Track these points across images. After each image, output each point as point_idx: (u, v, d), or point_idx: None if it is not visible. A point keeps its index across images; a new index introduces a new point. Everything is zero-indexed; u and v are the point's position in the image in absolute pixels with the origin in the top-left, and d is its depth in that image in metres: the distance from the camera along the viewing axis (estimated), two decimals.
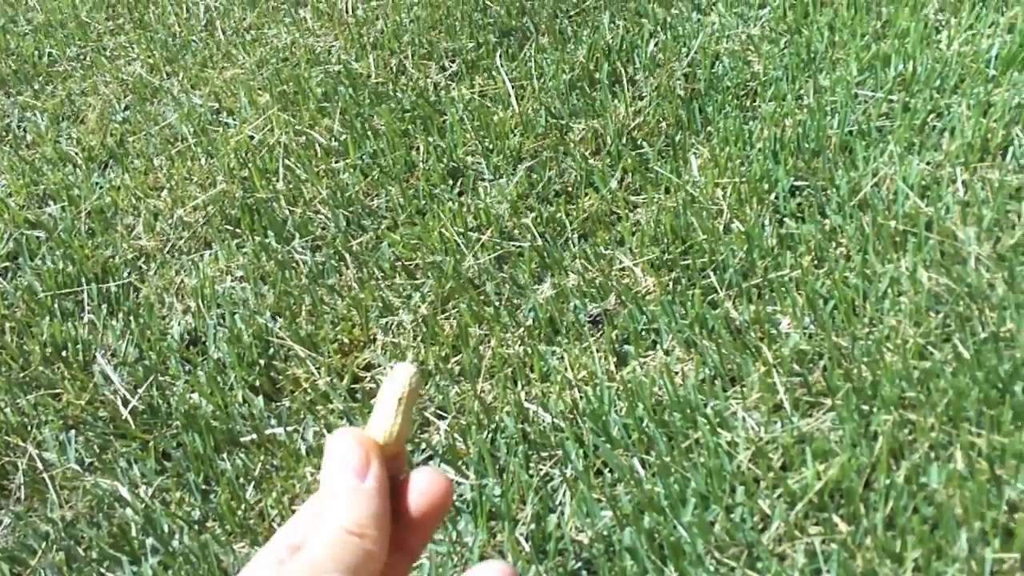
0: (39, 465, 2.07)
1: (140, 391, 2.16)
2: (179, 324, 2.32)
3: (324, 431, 1.97)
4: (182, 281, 2.44)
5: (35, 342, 2.33)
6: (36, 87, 3.43)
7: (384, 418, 0.73)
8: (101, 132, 3.04)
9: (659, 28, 2.91)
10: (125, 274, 2.50)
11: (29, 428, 2.15)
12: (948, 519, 1.52)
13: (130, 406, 2.13)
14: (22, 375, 2.27)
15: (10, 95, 3.43)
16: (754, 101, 2.58)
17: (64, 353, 2.30)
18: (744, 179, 2.28)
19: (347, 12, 3.38)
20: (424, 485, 0.73)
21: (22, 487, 2.05)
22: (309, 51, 3.21)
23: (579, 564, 1.64)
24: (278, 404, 2.08)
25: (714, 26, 2.87)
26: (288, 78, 3.04)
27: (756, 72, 2.65)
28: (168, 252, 2.55)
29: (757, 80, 2.63)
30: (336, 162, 2.66)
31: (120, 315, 2.38)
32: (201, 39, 3.47)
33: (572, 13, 3.06)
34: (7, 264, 2.62)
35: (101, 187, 2.83)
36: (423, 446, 1.90)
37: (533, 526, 1.70)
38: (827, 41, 2.71)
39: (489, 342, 2.06)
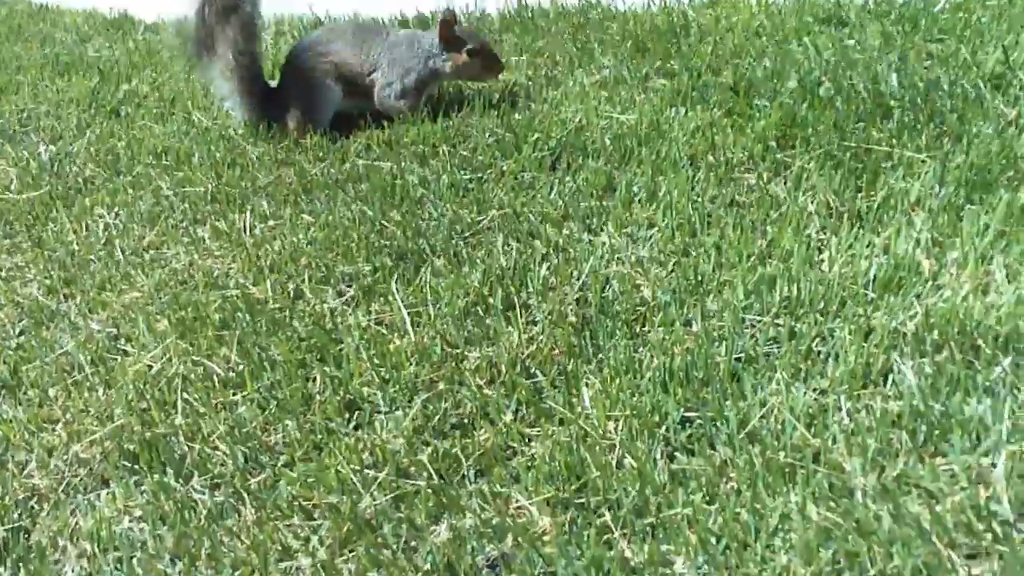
0: None
1: None
2: (73, 570, 2.30)
3: None
4: (77, 523, 2.42)
5: None
6: None
7: None
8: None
9: (551, 250, 2.99)
10: (15, 516, 2.47)
11: None
12: None
13: None
14: None
15: None
16: (644, 326, 2.65)
17: None
18: (635, 412, 2.33)
19: (245, 232, 3.43)
20: None
21: None
22: (207, 273, 3.24)
23: None
24: None
25: (604, 247, 2.95)
26: (186, 303, 3.07)
27: (645, 297, 2.73)
28: (63, 491, 2.53)
29: (646, 305, 2.70)
30: (234, 394, 2.68)
31: (8, 562, 2.35)
32: (100, 258, 3.49)
33: (467, 235, 3.14)
34: None
35: None
36: None
37: None
38: (714, 263, 2.80)
39: None
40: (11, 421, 2.77)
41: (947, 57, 3.76)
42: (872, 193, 3.01)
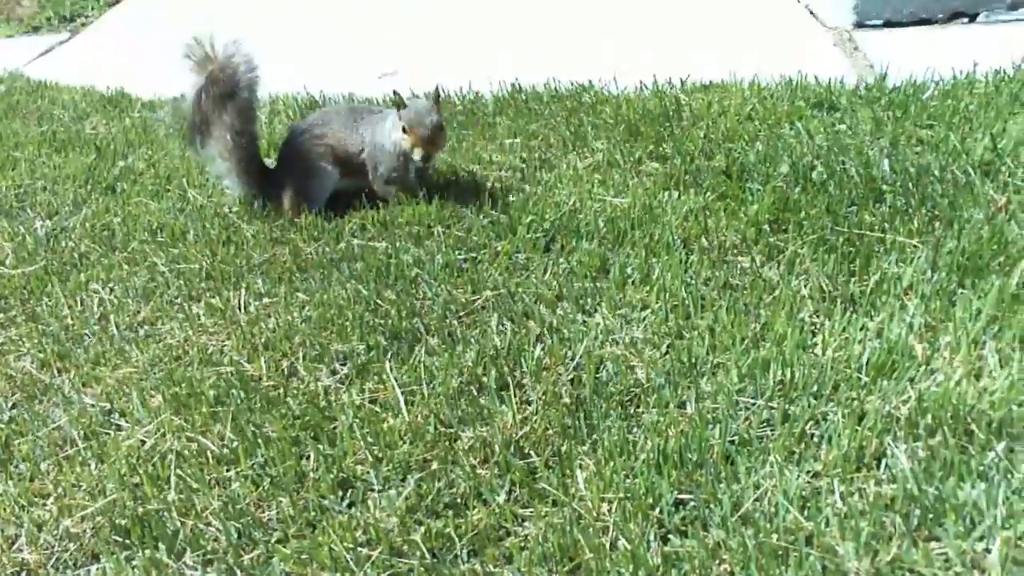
0: None
1: None
2: None
3: None
4: None
5: None
6: None
7: None
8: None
9: (545, 330, 3.00)
10: None
11: None
12: None
13: None
14: None
15: None
16: (638, 408, 2.66)
17: None
18: (629, 494, 2.33)
19: (239, 310, 3.44)
20: None
21: None
22: (202, 350, 3.24)
23: None
24: None
25: (599, 328, 2.97)
26: (180, 379, 3.07)
27: (639, 379, 2.74)
28: (52, 566, 2.51)
29: (640, 387, 2.71)
30: (227, 471, 2.67)
31: None
32: (94, 333, 3.49)
33: (461, 314, 3.15)
34: None
35: None
36: None
37: None
38: (708, 345, 2.81)
39: None
40: (1, 495, 2.76)
41: (937, 143, 3.81)
42: (865, 277, 3.04)
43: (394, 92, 3.98)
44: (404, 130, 3.88)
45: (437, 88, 3.98)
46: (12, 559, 2.54)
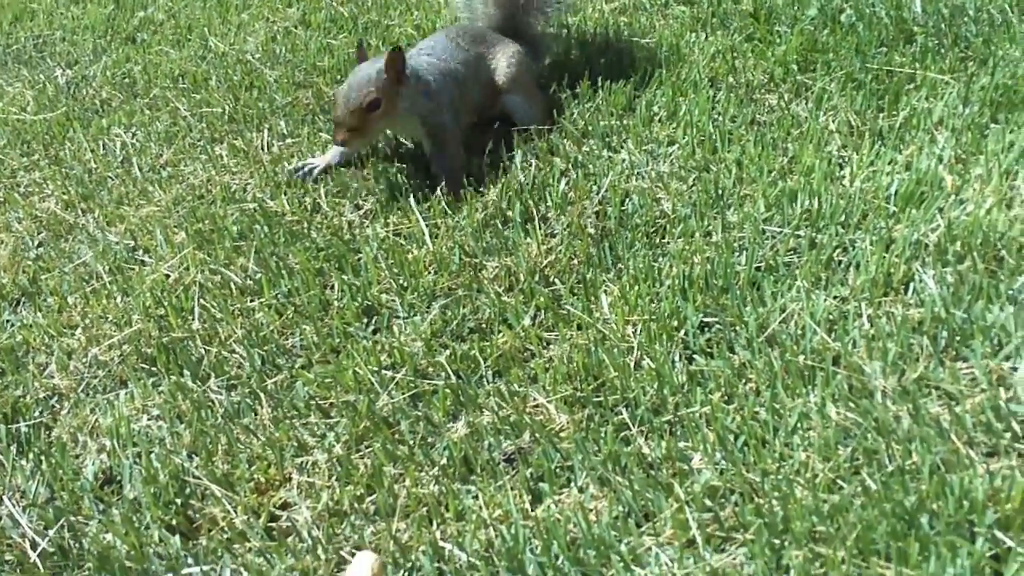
0: None
1: (50, 533, 2.13)
2: (93, 464, 2.30)
3: (242, 570, 1.96)
4: (96, 420, 2.43)
5: None
6: None
7: None
8: (13, 269, 3.03)
9: (570, 166, 2.97)
10: (36, 414, 2.48)
11: None
12: None
13: (39, 549, 2.10)
14: None
15: None
16: (663, 238, 2.64)
17: None
18: (654, 316, 2.32)
19: (262, 150, 3.42)
20: None
21: None
22: (225, 188, 3.23)
23: None
24: (195, 543, 2.07)
25: (624, 163, 2.94)
26: (204, 216, 3.06)
27: (665, 210, 2.71)
28: (82, 391, 2.53)
29: (666, 217, 2.69)
30: (251, 301, 2.68)
31: (31, 455, 2.36)
32: (117, 176, 3.48)
33: (486, 152, 3.12)
34: None
35: (12, 325, 2.82)
36: None
37: None
38: (735, 178, 2.78)
39: (404, 481, 2.07)
40: (32, 326, 2.78)
41: None
42: (894, 113, 2.99)
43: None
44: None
45: (395, 49, 3.08)
46: (44, 384, 2.56)
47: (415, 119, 3.14)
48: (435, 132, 3.14)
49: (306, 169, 3.26)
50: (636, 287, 2.42)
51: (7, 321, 2.85)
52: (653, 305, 2.37)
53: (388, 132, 3.31)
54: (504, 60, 3.40)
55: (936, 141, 2.80)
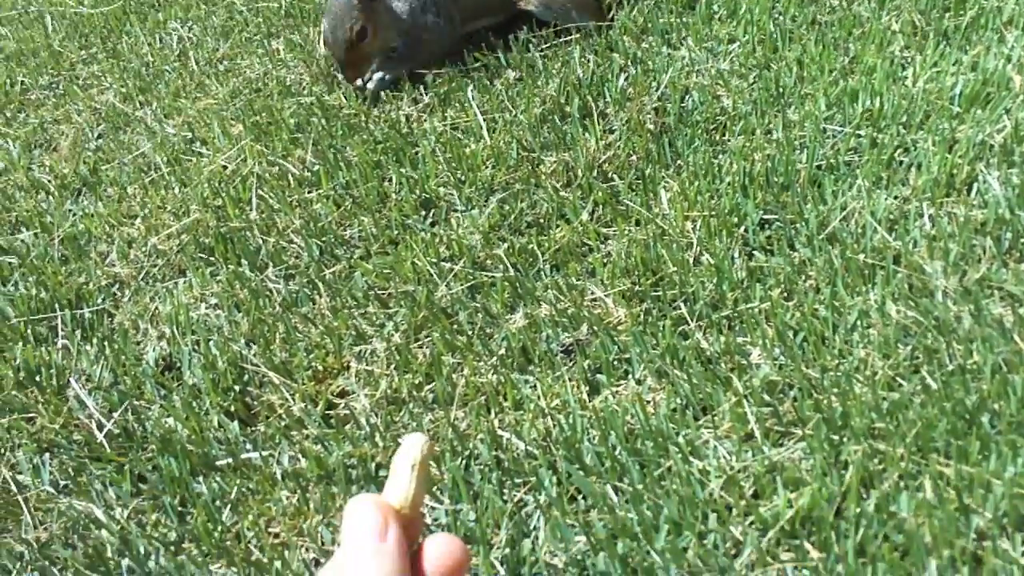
0: (13, 487, 2.07)
1: (115, 415, 2.16)
2: (154, 350, 2.33)
3: (299, 456, 1.98)
4: (156, 308, 2.45)
5: (8, 367, 2.33)
6: (8, 115, 3.45)
7: (399, 485, 0.77)
8: (74, 160, 3.05)
9: (629, 62, 2.95)
10: (99, 300, 2.51)
11: (2, 451, 2.16)
12: (918, 547, 1.55)
13: (105, 430, 2.14)
14: None
15: None
16: (723, 135, 2.62)
17: (37, 378, 2.30)
18: (714, 212, 2.31)
19: (319, 44, 3.41)
20: (440, 550, 0.77)
21: None
22: (281, 82, 3.23)
23: None
24: (253, 429, 2.09)
25: (684, 60, 2.91)
26: (261, 109, 3.06)
27: (725, 107, 2.69)
28: (142, 279, 2.55)
29: (726, 115, 2.66)
30: (309, 192, 2.68)
31: (94, 341, 2.39)
32: (174, 69, 3.49)
33: (543, 47, 3.09)
34: None
35: (74, 215, 2.84)
36: None
37: (508, 550, 1.71)
38: (795, 76, 2.75)
39: (462, 371, 2.08)
40: (93, 215, 2.80)
41: None
42: (960, 12, 2.94)
43: None
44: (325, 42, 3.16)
45: None
46: (106, 272, 2.59)
47: (394, 31, 3.13)
48: (419, 32, 3.15)
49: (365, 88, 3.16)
50: (696, 183, 2.41)
51: (69, 210, 2.87)
52: (713, 201, 2.36)
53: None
54: None
55: (1005, 41, 2.75)
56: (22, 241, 2.76)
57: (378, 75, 3.11)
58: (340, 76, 3.12)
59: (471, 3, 3.24)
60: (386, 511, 0.77)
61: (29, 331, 2.44)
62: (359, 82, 3.11)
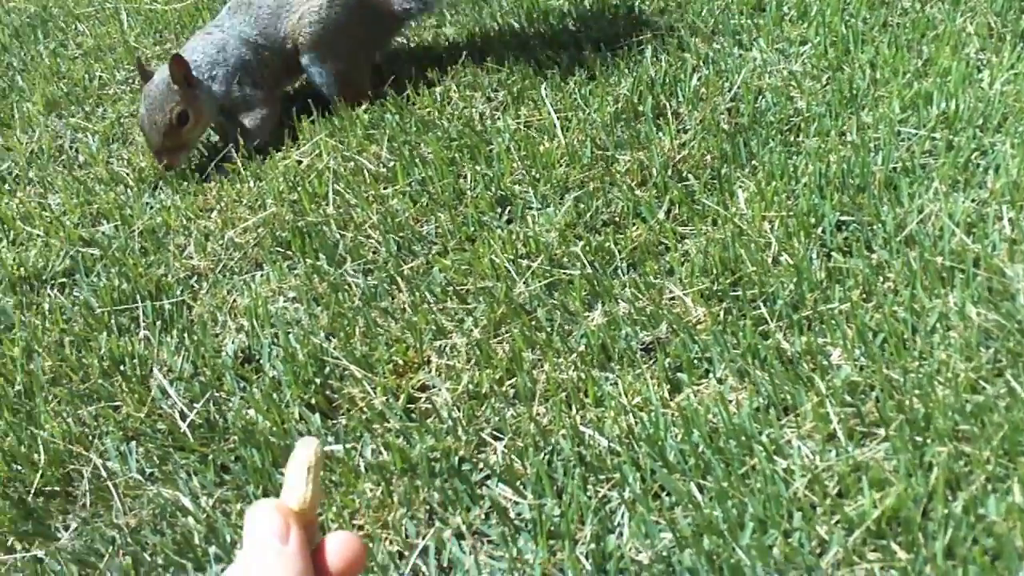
0: (103, 473, 2.11)
1: (197, 406, 2.20)
2: (232, 342, 2.36)
3: (382, 449, 2.00)
4: (235, 300, 2.49)
5: (93, 356, 2.37)
6: (87, 109, 3.50)
7: (296, 488, 0.82)
8: (151, 154, 3.09)
9: (701, 63, 2.96)
10: (178, 292, 2.54)
11: (91, 438, 2.20)
12: (1009, 551, 1.55)
13: (188, 420, 2.17)
14: (82, 387, 2.31)
15: (62, 116, 3.50)
16: (797, 136, 2.62)
17: (122, 367, 2.34)
18: (791, 213, 2.32)
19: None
20: (340, 546, 0.82)
21: (87, 494, 2.09)
22: None
23: None
24: (334, 422, 2.12)
25: (756, 62, 2.92)
26: (335, 104, 3.10)
27: (799, 108, 2.70)
28: (220, 272, 2.59)
29: (800, 116, 2.67)
30: (385, 188, 2.71)
31: (174, 332, 2.42)
32: None
33: (614, 47, 3.11)
34: (64, 280, 2.68)
35: (152, 208, 2.89)
36: (480, 465, 1.93)
37: (593, 545, 1.73)
38: (869, 79, 2.75)
39: (542, 367, 2.10)
40: (170, 208, 2.84)
41: None
42: None
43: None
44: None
45: (175, 56, 2.98)
46: (184, 264, 2.63)
47: (216, 111, 3.08)
48: (239, 107, 3.10)
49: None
50: (772, 184, 2.42)
51: (147, 204, 2.91)
52: (789, 202, 2.37)
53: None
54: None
55: None
56: (103, 233, 2.80)
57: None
58: (158, 164, 3.02)
59: (277, 68, 3.21)
60: (286, 514, 0.81)
61: (112, 321, 2.48)
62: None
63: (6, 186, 3.18)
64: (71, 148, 3.31)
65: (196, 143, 3.11)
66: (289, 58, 3.16)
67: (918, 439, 1.76)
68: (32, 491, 2.12)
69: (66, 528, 2.05)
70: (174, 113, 2.90)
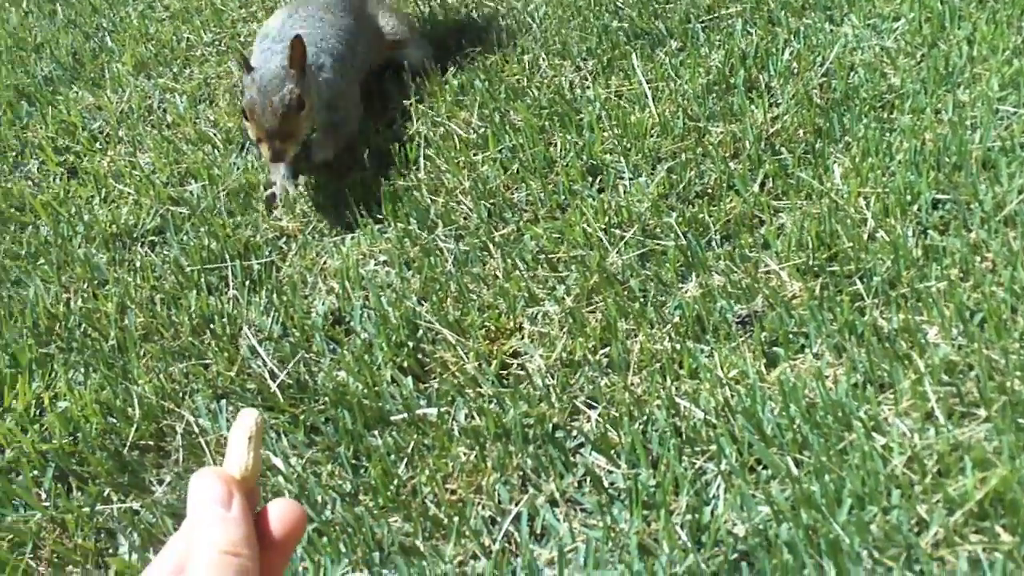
0: (195, 430, 2.14)
1: (288, 367, 2.21)
2: (323, 303, 2.38)
3: (475, 414, 2.01)
4: (325, 262, 2.50)
5: (184, 313, 2.40)
6: (175, 70, 3.52)
7: (238, 456, 0.85)
8: (236, 115, 3.10)
9: (792, 37, 2.94)
10: (267, 253, 2.56)
11: (182, 395, 2.22)
12: None
13: (278, 380, 2.19)
14: (173, 344, 2.34)
15: (151, 77, 3.52)
16: (891, 113, 2.60)
17: (211, 326, 2.36)
18: (887, 190, 2.30)
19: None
20: (281, 512, 0.85)
21: (180, 450, 2.12)
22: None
23: (736, 555, 1.67)
24: (426, 385, 2.13)
25: (848, 37, 2.89)
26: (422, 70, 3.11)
27: (893, 85, 2.67)
28: (309, 233, 2.60)
29: (894, 92, 2.64)
30: (475, 155, 2.71)
31: (263, 292, 2.44)
32: None
33: (704, 19, 3.09)
34: (154, 238, 2.71)
35: (238, 168, 2.90)
36: (574, 433, 1.94)
37: (688, 516, 1.73)
38: (966, 56, 2.72)
39: (636, 336, 2.09)
40: (257, 169, 2.86)
41: None
42: None
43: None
44: (245, 115, 2.69)
45: (296, 38, 2.69)
46: (272, 225, 2.65)
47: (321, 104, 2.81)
48: (335, 103, 2.87)
49: (268, 196, 2.82)
50: (868, 160, 2.40)
51: (234, 164, 2.93)
52: (885, 179, 2.35)
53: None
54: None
55: None
56: (191, 192, 2.82)
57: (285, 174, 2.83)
58: (261, 155, 2.75)
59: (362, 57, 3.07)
60: (228, 481, 0.84)
61: (202, 280, 2.50)
62: (280, 169, 2.83)
63: (97, 144, 3.21)
64: (159, 108, 3.33)
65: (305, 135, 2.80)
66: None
67: (1021, 421, 1.74)
68: (127, 445, 2.15)
69: (160, 482, 2.08)
70: (293, 95, 2.63)
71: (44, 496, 2.08)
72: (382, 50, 3.17)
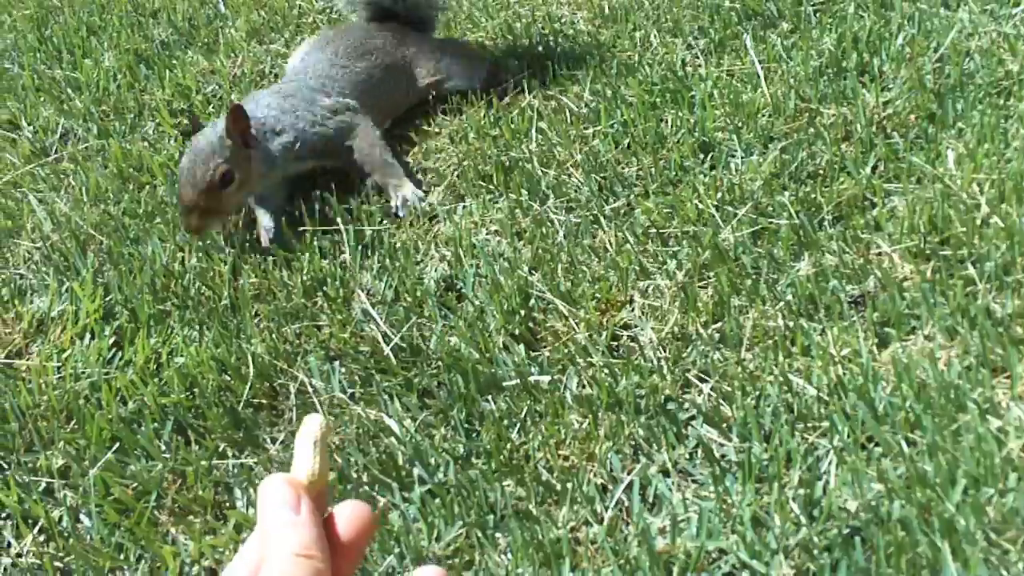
0: (308, 390, 2.18)
1: (401, 331, 2.25)
2: (435, 270, 2.41)
3: (587, 384, 2.04)
4: (438, 230, 2.54)
5: (297, 275, 2.44)
6: (287, 36, 3.57)
7: (304, 461, 0.88)
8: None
9: (906, 22, 2.93)
10: (378, 221, 2.60)
11: (295, 356, 2.27)
12: None
13: (392, 343, 2.23)
14: (286, 306, 2.39)
15: (263, 43, 3.58)
16: (1007, 100, 2.58)
17: (324, 288, 2.41)
18: (1002, 176, 2.29)
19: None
20: (350, 515, 0.88)
21: (293, 409, 2.17)
22: (553, 19, 3.29)
23: (848, 530, 1.69)
24: (538, 353, 2.16)
25: (963, 22, 2.88)
26: (537, 42, 3.13)
27: (1011, 71, 2.65)
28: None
29: (1012, 79, 2.63)
30: (587, 128, 2.73)
31: (375, 258, 2.48)
32: (444, 2, 3.56)
33: (816, 2, 3.09)
34: None
35: None
36: (686, 405, 1.96)
37: (801, 491, 1.75)
38: None
39: (748, 313, 2.11)
40: None
41: None
42: None
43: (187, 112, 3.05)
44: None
45: (236, 106, 2.59)
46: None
47: (278, 173, 2.73)
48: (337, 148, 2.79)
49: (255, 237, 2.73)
50: (984, 145, 2.39)
51: None
52: (1000, 165, 2.34)
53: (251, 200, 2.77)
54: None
55: None
56: None
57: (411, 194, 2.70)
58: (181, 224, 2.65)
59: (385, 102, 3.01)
60: (296, 486, 0.86)
61: (316, 242, 2.54)
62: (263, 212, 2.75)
63: (211, 108, 3.27)
64: (271, 73, 3.39)
65: (235, 212, 2.75)
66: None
67: None
68: (242, 402, 2.20)
69: (273, 441, 2.13)
70: (219, 170, 2.54)
71: (164, 448, 2.14)
72: (418, 91, 3.05)
